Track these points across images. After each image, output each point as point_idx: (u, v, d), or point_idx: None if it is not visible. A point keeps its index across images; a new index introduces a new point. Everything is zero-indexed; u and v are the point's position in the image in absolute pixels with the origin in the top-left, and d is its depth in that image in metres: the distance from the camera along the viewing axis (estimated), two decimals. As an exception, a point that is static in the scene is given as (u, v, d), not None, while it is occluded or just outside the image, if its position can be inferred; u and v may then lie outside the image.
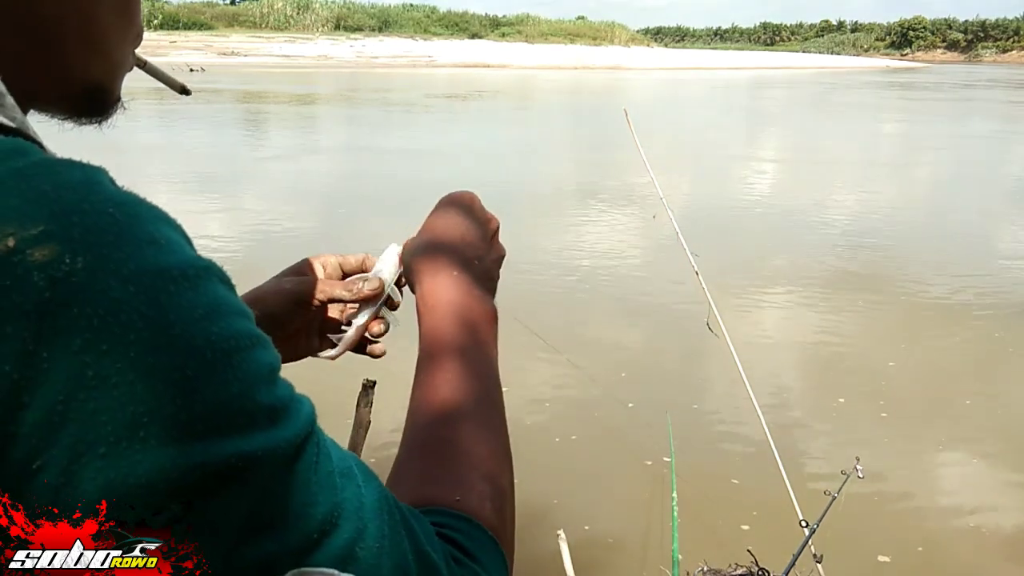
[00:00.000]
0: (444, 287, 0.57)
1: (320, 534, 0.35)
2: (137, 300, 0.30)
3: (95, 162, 0.39)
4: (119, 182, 0.39)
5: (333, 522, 0.36)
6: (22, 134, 0.36)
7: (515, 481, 0.51)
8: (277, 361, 0.36)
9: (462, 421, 0.50)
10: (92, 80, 0.43)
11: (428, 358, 0.53)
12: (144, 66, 0.52)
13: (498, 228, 0.64)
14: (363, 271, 0.71)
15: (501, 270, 0.64)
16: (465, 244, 0.60)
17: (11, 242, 0.29)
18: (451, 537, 0.44)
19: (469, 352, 0.53)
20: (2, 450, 0.29)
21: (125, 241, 0.31)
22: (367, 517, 0.38)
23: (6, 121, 0.35)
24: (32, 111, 0.42)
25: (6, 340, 0.28)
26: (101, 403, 0.29)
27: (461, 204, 0.63)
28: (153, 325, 0.31)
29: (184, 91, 0.64)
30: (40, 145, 0.37)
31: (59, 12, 0.40)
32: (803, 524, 2.08)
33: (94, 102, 0.44)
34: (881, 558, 2.86)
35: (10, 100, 0.36)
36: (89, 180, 0.32)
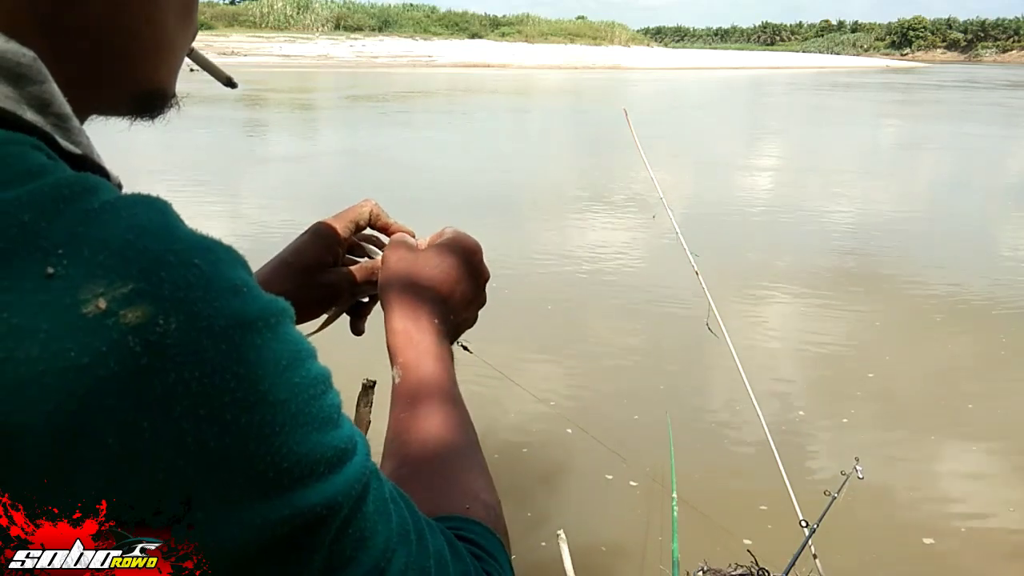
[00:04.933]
0: (426, 330, 0.60)
1: (385, 562, 0.37)
2: (229, 359, 0.30)
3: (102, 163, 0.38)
4: (122, 183, 0.39)
5: (392, 548, 0.37)
6: (88, 161, 0.36)
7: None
8: (340, 399, 0.36)
9: (458, 448, 0.55)
10: (157, 83, 0.43)
11: (417, 391, 0.57)
12: (191, 54, 0.51)
13: (487, 279, 0.66)
14: (367, 222, 0.71)
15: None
16: (452, 300, 0.63)
17: (102, 303, 0.28)
18: (467, 537, 0.47)
19: (452, 391, 0.58)
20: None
21: (213, 294, 0.30)
22: (413, 537, 0.40)
23: (72, 148, 0.35)
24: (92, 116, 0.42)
25: (107, 412, 0.28)
26: (200, 468, 0.29)
27: (465, 254, 0.64)
28: (245, 384, 0.30)
29: (230, 84, 0.62)
30: (104, 171, 0.37)
31: (133, 24, 0.39)
32: (803, 524, 2.08)
33: (154, 103, 0.44)
34: (927, 540, 2.92)
35: (76, 123, 0.35)
36: (166, 222, 0.32)
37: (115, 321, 0.28)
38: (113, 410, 0.28)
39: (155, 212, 0.32)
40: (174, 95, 0.45)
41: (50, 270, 0.28)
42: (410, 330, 0.60)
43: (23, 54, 0.33)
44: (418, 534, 0.40)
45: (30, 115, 0.33)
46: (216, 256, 0.32)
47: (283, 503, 0.31)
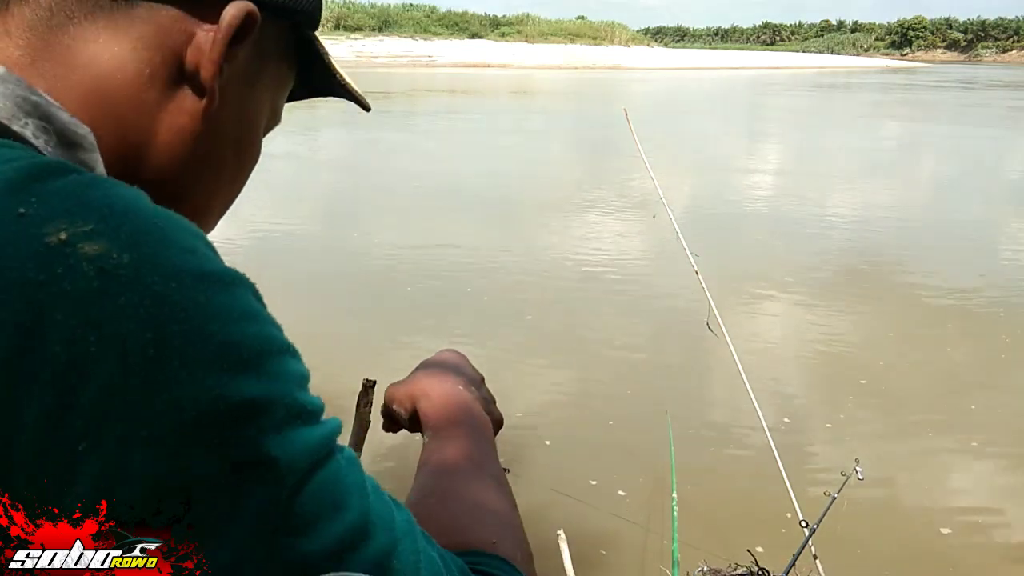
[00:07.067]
0: (452, 391, 0.62)
1: (354, 538, 0.36)
2: (178, 295, 0.32)
3: None
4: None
5: (365, 529, 0.37)
6: None
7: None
8: (308, 373, 0.37)
9: (492, 490, 0.55)
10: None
11: (448, 436, 0.58)
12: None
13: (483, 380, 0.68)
14: None
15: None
16: (466, 376, 0.65)
17: (63, 235, 0.31)
18: (488, 572, 0.46)
19: (483, 443, 0.59)
20: (53, 428, 0.30)
21: (168, 245, 0.33)
22: (399, 534, 0.39)
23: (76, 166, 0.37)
24: None
25: (56, 326, 0.30)
26: (146, 390, 0.31)
27: (451, 360, 0.67)
28: (192, 320, 0.32)
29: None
30: None
31: (183, 189, 0.45)
32: (803, 524, 2.08)
33: None
34: (943, 530, 2.95)
35: (96, 155, 0.39)
36: (137, 195, 0.35)
37: (73, 250, 0.31)
38: (62, 325, 0.30)
39: (129, 190, 0.35)
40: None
41: (22, 210, 0.32)
42: (436, 390, 0.62)
43: (79, 125, 0.38)
44: (409, 534, 0.40)
45: None
46: (178, 223, 0.35)
47: (229, 440, 0.32)
